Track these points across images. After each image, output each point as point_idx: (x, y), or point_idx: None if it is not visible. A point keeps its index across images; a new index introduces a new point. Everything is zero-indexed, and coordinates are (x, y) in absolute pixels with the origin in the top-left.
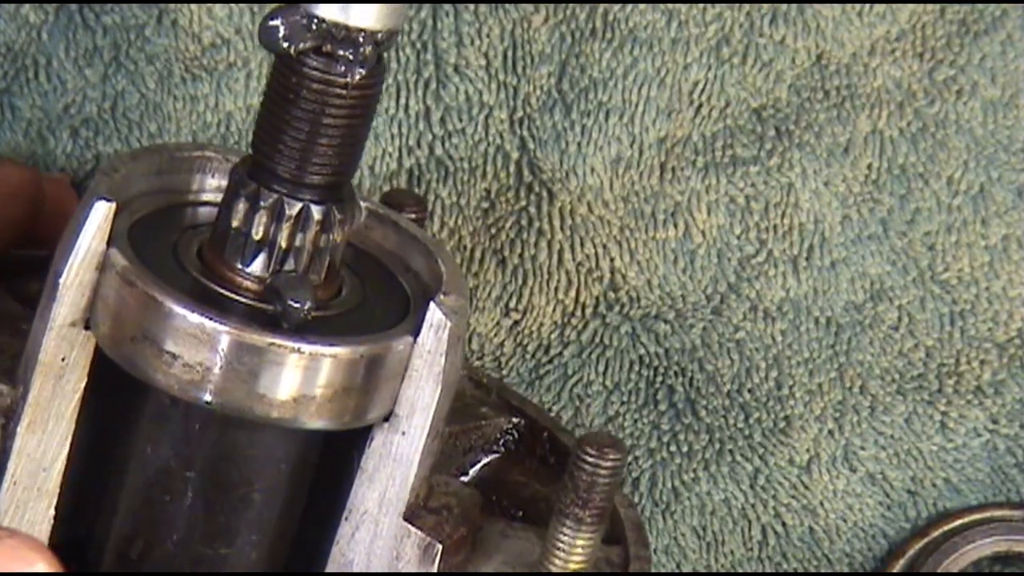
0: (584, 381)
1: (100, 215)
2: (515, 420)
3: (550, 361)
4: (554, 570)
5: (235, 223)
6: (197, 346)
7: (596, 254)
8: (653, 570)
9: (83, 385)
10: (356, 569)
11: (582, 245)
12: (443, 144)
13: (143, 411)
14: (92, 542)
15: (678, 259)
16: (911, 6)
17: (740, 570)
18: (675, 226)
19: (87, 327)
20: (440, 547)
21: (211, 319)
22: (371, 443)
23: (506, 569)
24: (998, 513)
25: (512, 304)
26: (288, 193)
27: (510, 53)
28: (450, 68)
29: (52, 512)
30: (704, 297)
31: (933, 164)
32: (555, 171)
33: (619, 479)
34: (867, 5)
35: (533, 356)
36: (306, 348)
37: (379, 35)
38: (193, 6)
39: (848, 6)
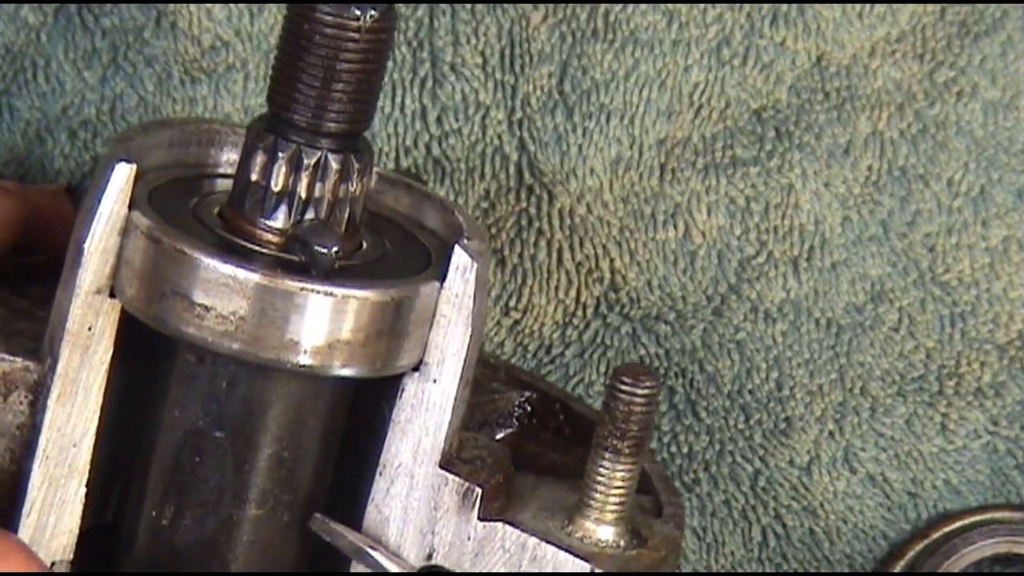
0: (586, 381)
1: (122, 177)
2: (527, 394)
3: (552, 361)
4: (595, 504)
5: (254, 176)
6: (229, 296)
7: (596, 254)
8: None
9: (110, 355)
10: (393, 524)
11: (581, 245)
12: (440, 144)
13: (170, 375)
14: (124, 518)
15: (678, 260)
16: (911, 8)
17: (739, 571)
18: (675, 227)
19: (112, 295)
20: (479, 491)
21: (241, 266)
22: (402, 393)
23: (543, 514)
24: (998, 515)
25: (512, 303)
26: (306, 143)
27: (508, 52)
28: (447, 67)
29: (84, 490)
30: (704, 298)
31: (933, 166)
32: (556, 173)
33: (655, 408)
34: (867, 7)
35: (534, 356)
36: (337, 291)
37: None
38: (192, 8)
39: (848, 8)
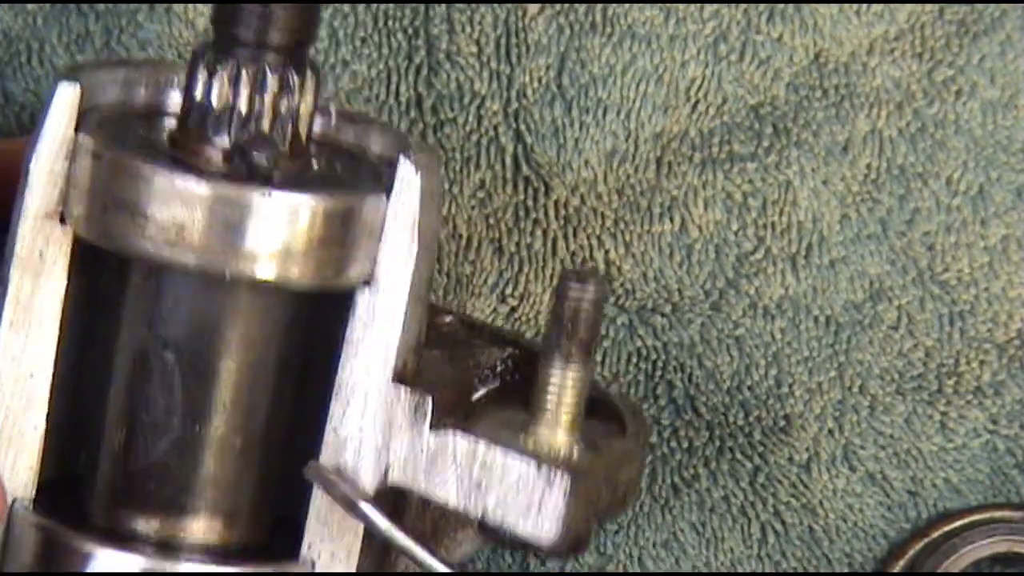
0: None
1: (67, 98)
2: (509, 350)
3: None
4: (547, 409)
5: (197, 95)
6: (172, 203)
7: (590, 245)
8: (650, 562)
9: (64, 285)
10: (350, 445)
11: (575, 235)
12: (435, 133)
13: (121, 299)
14: (86, 453)
15: (674, 253)
16: (910, 6)
17: (739, 568)
18: (671, 220)
19: (63, 221)
20: (431, 400)
21: (187, 175)
22: (354, 310)
23: (498, 426)
24: (998, 514)
25: (508, 291)
26: (247, 56)
27: (504, 42)
28: (442, 55)
29: (43, 425)
30: (702, 292)
31: (932, 164)
32: (552, 165)
33: (601, 310)
34: (865, 4)
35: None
36: (278, 196)
37: None
38: None
39: (846, 5)
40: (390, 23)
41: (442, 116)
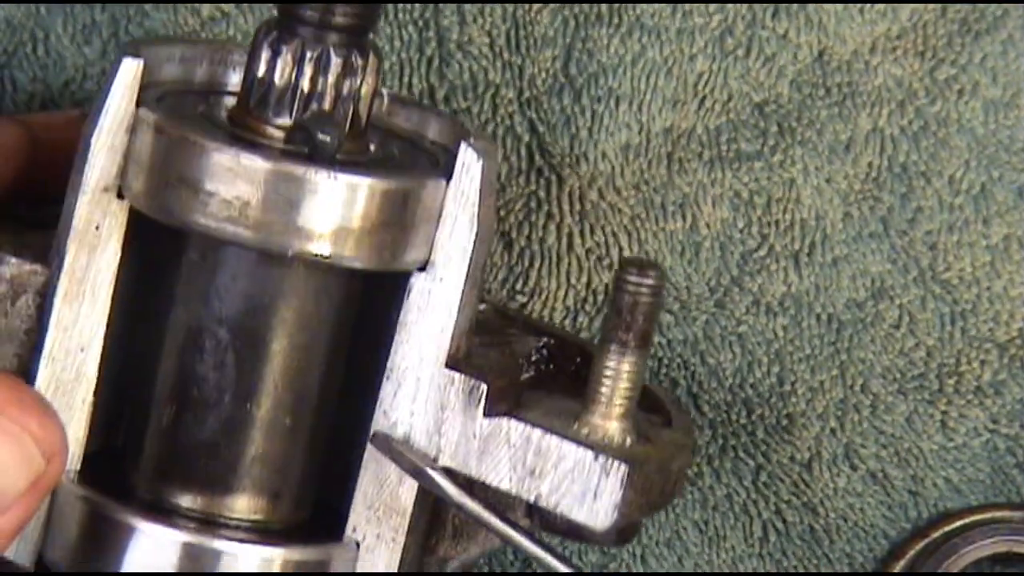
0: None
1: (129, 72)
2: (544, 339)
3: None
4: (601, 399)
5: (260, 73)
6: (234, 180)
7: (606, 242)
8: (653, 560)
9: (118, 258)
10: (400, 428)
11: (592, 232)
12: None
13: (176, 275)
14: (133, 424)
15: (684, 251)
16: (912, 4)
17: (740, 567)
18: (683, 218)
19: (120, 196)
20: (485, 387)
21: (247, 152)
22: (409, 294)
23: (551, 414)
24: (999, 514)
25: (518, 286)
26: (310, 37)
27: (513, 33)
28: (453, 46)
29: (91, 399)
30: (707, 289)
31: (934, 163)
32: (564, 156)
33: (661, 301)
34: (868, 3)
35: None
36: (342, 177)
37: None
38: None
39: (850, 3)
40: (400, 15)
41: (455, 106)
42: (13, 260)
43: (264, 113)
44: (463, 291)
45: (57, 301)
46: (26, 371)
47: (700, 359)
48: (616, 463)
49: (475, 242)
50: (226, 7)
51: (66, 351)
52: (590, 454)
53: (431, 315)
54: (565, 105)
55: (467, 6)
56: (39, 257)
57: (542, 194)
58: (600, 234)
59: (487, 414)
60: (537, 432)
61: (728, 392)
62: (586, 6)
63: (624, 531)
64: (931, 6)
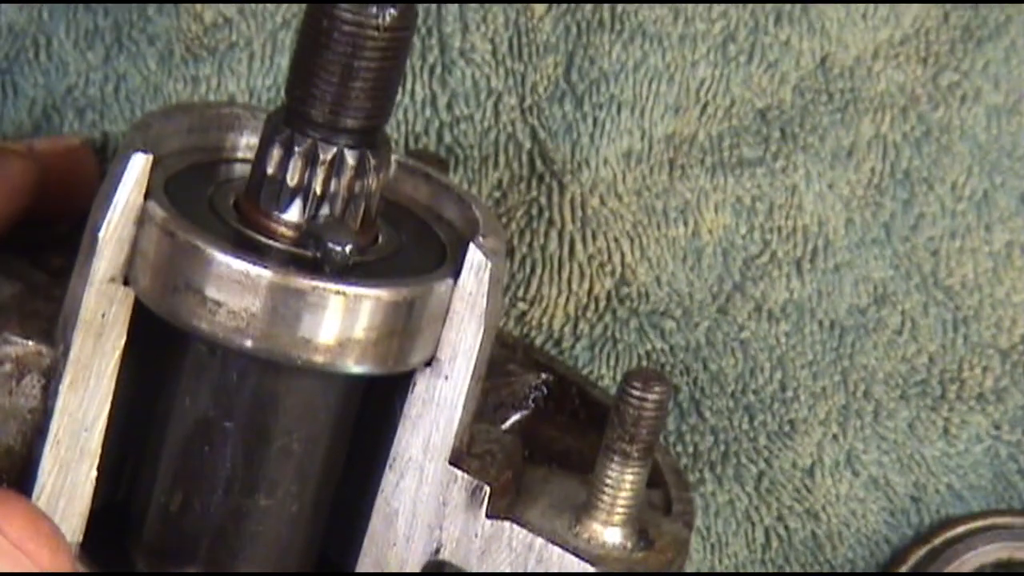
0: (595, 375)
1: (138, 168)
2: (544, 376)
3: (561, 353)
4: (602, 506)
5: (270, 170)
6: (241, 292)
7: (608, 248)
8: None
9: (123, 342)
10: (402, 517)
11: (594, 238)
12: (451, 131)
13: (182, 364)
14: (134, 501)
15: (687, 257)
16: (914, 11)
17: (742, 572)
18: (685, 224)
19: (126, 283)
20: (488, 489)
21: (254, 264)
22: (414, 389)
23: (551, 512)
24: (1001, 520)
25: (519, 294)
26: (322, 138)
27: (515, 40)
28: (456, 53)
29: (94, 473)
30: (710, 296)
31: (937, 169)
32: (566, 162)
33: (665, 413)
34: (871, 8)
35: (542, 348)
36: (349, 290)
37: None
38: None
39: (852, 8)
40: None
41: (458, 113)
42: (19, 340)
43: (273, 210)
44: (468, 388)
45: (63, 388)
46: (30, 448)
47: (703, 365)
48: None
49: (482, 341)
50: (228, 12)
51: (71, 433)
52: (591, 570)
53: (435, 410)
54: (567, 112)
55: (469, 13)
56: (45, 333)
57: (544, 201)
58: (602, 240)
59: (489, 515)
60: (539, 541)
61: (730, 398)
62: (588, 13)
63: None
64: (934, 12)
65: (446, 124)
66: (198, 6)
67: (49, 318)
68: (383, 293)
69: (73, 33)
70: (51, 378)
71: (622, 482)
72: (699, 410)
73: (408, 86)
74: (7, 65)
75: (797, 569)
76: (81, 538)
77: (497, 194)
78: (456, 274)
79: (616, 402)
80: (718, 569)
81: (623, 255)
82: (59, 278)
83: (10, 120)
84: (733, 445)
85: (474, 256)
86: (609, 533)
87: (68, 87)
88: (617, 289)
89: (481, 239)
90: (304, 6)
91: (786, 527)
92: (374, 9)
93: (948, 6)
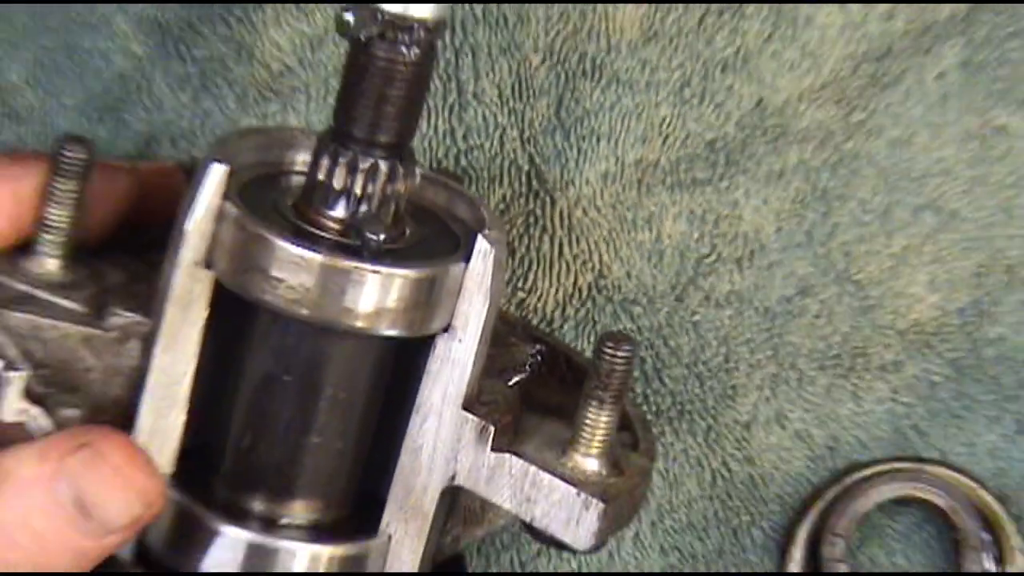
0: (579, 347)
1: (217, 175)
2: (538, 347)
3: (552, 330)
4: (583, 442)
5: (320, 177)
6: (297, 272)
7: (589, 249)
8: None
9: (205, 313)
10: (424, 452)
11: (578, 242)
12: (466, 157)
13: (251, 330)
14: (213, 442)
15: (651, 257)
16: (831, 63)
17: (694, 506)
18: (649, 230)
19: (207, 266)
20: (493, 429)
21: (308, 249)
22: (434, 349)
23: (543, 447)
24: (897, 465)
25: (520, 284)
26: (361, 151)
27: (516, 85)
28: (470, 95)
29: (183, 417)
30: (669, 287)
31: (848, 188)
32: (556, 182)
33: (632, 367)
34: (797, 60)
35: (537, 326)
36: (383, 270)
37: (430, 23)
38: (265, 41)
39: (782, 60)
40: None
41: (471, 143)
42: (124, 314)
43: (323, 208)
44: (477, 348)
45: (158, 351)
46: (131, 397)
47: (663, 342)
48: (594, 501)
49: (487, 311)
50: (290, 63)
51: (164, 386)
52: (573, 490)
53: (451, 367)
54: (557, 142)
55: (480, 63)
56: (142, 307)
57: (538, 212)
58: (584, 244)
59: (493, 449)
60: (533, 468)
61: (685, 368)
62: (573, 64)
63: (602, 545)
64: (846, 64)
65: (462, 151)
66: (267, 58)
67: (147, 297)
68: (410, 273)
69: (169, 79)
70: (148, 342)
71: (598, 423)
72: (660, 377)
73: (432, 122)
74: (119, 105)
75: (737, 503)
76: (171, 470)
77: (501, 206)
78: (467, 259)
79: (594, 358)
80: (675, 503)
81: (601, 255)
82: (154, 268)
83: (120, 148)
84: (687, 405)
85: (481, 245)
86: (588, 463)
87: (165, 122)
88: (596, 282)
89: (487, 232)
90: (348, 50)
91: (728, 469)
92: (402, 49)
93: (858, 59)
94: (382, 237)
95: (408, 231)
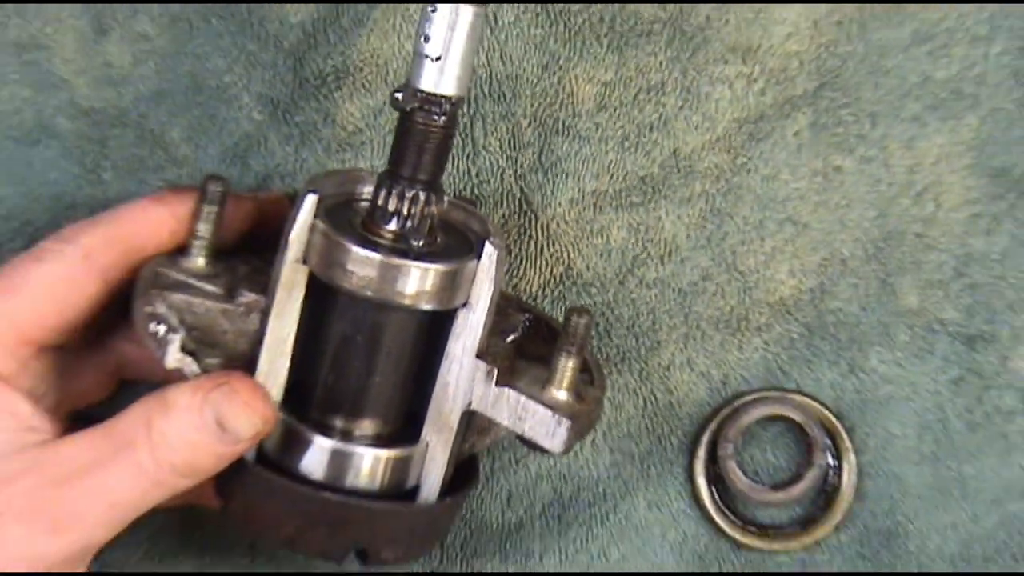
0: (554, 316)
1: (311, 202)
2: (526, 315)
3: (536, 304)
4: (556, 380)
5: (380, 202)
6: (364, 266)
7: (560, 251)
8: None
9: (302, 294)
10: (451, 387)
11: (553, 245)
12: (477, 188)
13: (333, 306)
14: (308, 381)
15: (603, 255)
16: (724, 124)
17: (632, 424)
18: (602, 237)
19: (304, 262)
20: (496, 371)
21: (372, 252)
22: (457, 318)
23: (530, 383)
24: (768, 394)
25: (514, 274)
26: (407, 184)
27: (511, 141)
28: (480, 147)
29: (288, 364)
30: (615, 275)
31: (735, 208)
32: (538, 205)
33: (590, 330)
34: (698, 121)
35: (526, 301)
36: (423, 265)
37: (453, 99)
38: (345, 110)
39: (691, 124)
40: (457, 128)
41: (481, 179)
42: (249, 294)
43: (381, 224)
44: (486, 318)
45: (272, 320)
46: (254, 352)
47: (611, 312)
48: (565, 419)
49: (493, 292)
50: (360, 125)
51: (276, 343)
52: (550, 413)
53: (469, 330)
54: (539, 178)
55: (487, 125)
56: (261, 290)
57: (526, 225)
58: (557, 246)
59: (496, 385)
60: (523, 398)
61: (625, 330)
62: (550, 125)
63: (571, 448)
64: (733, 125)
65: (475, 185)
66: (344, 122)
67: (264, 283)
68: (441, 267)
69: (279, 137)
70: (265, 314)
71: (567, 367)
72: (609, 336)
73: (455, 164)
74: (245, 154)
75: (661, 420)
76: (280, 399)
77: (501, 222)
78: (479, 258)
79: (564, 323)
80: (620, 420)
81: (569, 255)
82: (269, 264)
83: (246, 184)
84: (627, 354)
85: (488, 248)
86: (560, 395)
87: (275, 166)
88: (565, 272)
89: (492, 239)
90: (398, 118)
91: (655, 397)
92: (434, 116)
93: (741, 122)
94: (421, 243)
95: (439, 239)
